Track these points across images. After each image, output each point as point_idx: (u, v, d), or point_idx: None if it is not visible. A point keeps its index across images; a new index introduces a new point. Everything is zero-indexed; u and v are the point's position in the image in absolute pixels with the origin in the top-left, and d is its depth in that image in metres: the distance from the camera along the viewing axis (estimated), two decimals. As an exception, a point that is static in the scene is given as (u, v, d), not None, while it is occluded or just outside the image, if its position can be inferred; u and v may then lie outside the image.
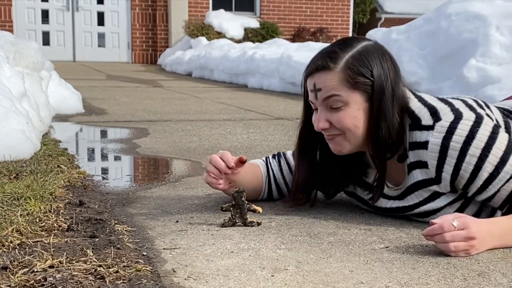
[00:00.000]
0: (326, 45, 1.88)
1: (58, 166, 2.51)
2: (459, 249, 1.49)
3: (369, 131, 1.69)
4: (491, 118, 1.68)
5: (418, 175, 1.71)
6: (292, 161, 1.97)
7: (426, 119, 1.67)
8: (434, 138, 1.64)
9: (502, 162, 1.59)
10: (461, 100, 1.72)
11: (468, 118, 1.63)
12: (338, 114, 1.68)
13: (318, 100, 1.70)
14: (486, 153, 1.59)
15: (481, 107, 1.71)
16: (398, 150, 1.73)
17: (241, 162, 1.84)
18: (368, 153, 1.79)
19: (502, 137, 1.62)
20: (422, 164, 1.69)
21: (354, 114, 1.67)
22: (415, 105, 1.70)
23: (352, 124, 1.68)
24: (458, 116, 1.64)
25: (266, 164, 2.01)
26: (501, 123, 1.75)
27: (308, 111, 1.79)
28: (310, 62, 1.73)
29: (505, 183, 1.60)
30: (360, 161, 1.84)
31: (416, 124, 1.68)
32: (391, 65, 1.69)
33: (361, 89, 1.66)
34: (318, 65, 1.68)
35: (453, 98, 1.74)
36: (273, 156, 2.03)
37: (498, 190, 1.61)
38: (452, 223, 1.48)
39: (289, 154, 2.01)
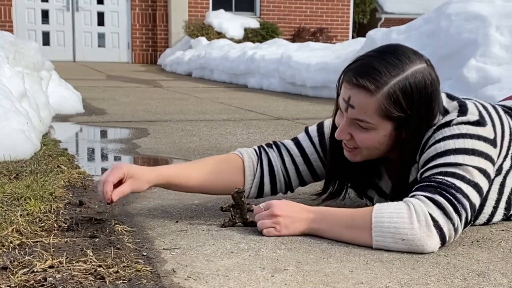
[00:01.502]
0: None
1: (58, 166, 2.51)
2: (266, 226, 1.60)
3: (392, 150, 1.69)
4: (494, 128, 1.65)
5: (413, 173, 1.71)
6: (294, 149, 1.89)
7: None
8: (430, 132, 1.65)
9: (457, 151, 1.57)
10: (476, 102, 1.69)
11: (469, 118, 1.62)
12: (362, 134, 1.65)
13: (348, 113, 1.64)
14: (450, 141, 1.59)
15: (490, 115, 1.67)
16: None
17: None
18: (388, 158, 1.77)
19: (478, 139, 1.60)
20: (413, 161, 1.69)
21: (379, 139, 1.64)
22: None
23: (373, 147, 1.67)
24: (459, 115, 1.63)
25: (259, 155, 1.88)
26: None
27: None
28: (353, 67, 1.62)
29: (441, 174, 1.55)
30: (373, 166, 1.81)
31: None
32: (435, 94, 1.62)
33: (394, 119, 1.61)
34: (359, 83, 1.58)
35: (469, 100, 1.71)
36: (269, 146, 1.91)
37: (429, 176, 1.57)
38: (260, 205, 1.63)
39: (288, 143, 1.91)
